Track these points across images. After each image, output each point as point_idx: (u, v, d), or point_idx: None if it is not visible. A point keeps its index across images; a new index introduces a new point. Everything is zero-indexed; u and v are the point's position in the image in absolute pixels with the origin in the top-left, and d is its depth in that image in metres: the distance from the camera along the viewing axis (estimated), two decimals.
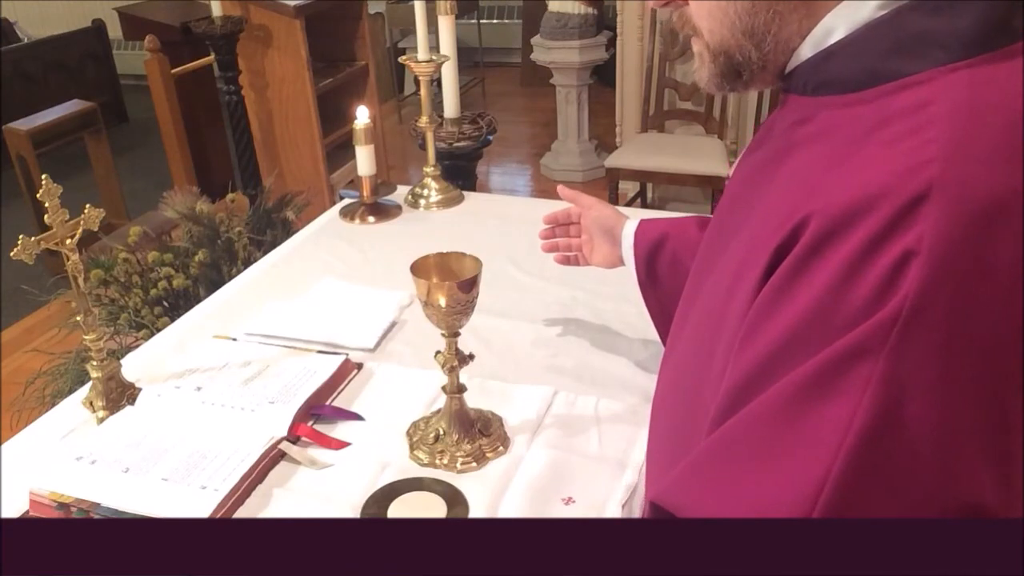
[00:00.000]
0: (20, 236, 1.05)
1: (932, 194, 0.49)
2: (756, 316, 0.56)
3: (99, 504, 0.97)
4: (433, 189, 1.83)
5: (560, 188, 1.25)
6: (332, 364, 1.22)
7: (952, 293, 0.48)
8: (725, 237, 0.71)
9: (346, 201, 1.84)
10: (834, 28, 0.60)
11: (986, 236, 0.49)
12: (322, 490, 1.01)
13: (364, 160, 1.75)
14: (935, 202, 0.49)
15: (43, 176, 1.08)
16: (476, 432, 1.06)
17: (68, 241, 1.10)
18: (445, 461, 1.04)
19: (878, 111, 0.56)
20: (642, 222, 1.14)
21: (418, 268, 1.00)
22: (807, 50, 0.63)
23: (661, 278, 1.10)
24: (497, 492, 0.99)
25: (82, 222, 1.12)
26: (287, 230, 2.26)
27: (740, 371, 0.56)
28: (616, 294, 1.39)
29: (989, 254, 0.49)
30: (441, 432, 1.06)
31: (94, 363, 1.16)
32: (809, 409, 0.51)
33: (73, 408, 1.20)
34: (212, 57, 3.45)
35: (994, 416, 0.49)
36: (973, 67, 0.54)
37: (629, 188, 3.85)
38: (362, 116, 1.73)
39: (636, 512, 0.96)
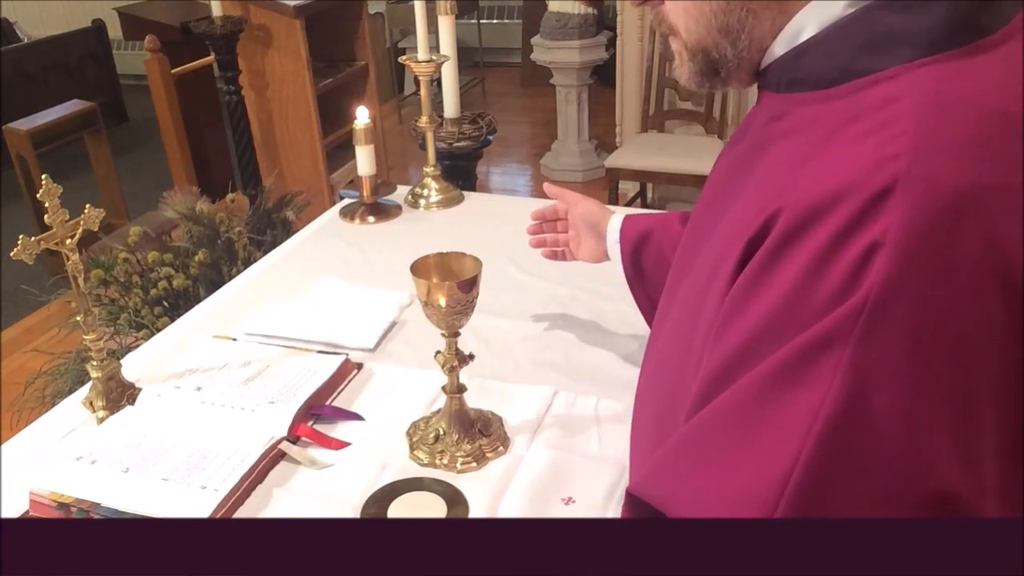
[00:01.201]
0: (20, 236, 1.05)
1: (898, 187, 0.50)
2: (729, 309, 0.58)
3: (99, 504, 0.97)
4: (433, 189, 1.83)
5: (546, 185, 1.27)
6: (332, 364, 1.22)
7: (916, 284, 0.49)
8: (703, 232, 0.72)
9: (346, 201, 1.84)
10: (805, 26, 0.62)
11: (950, 229, 0.50)
12: (322, 490, 1.01)
13: (364, 160, 1.75)
14: (901, 195, 0.50)
15: (43, 176, 1.08)
16: (476, 432, 1.06)
17: (68, 241, 1.10)
18: (445, 461, 1.04)
19: (848, 107, 0.58)
20: (627, 218, 1.15)
21: (418, 268, 1.00)
22: (780, 47, 0.64)
23: (647, 273, 1.12)
24: (497, 492, 0.99)
25: (82, 222, 1.12)
26: (287, 230, 2.26)
27: (714, 362, 0.57)
28: (616, 294, 1.39)
29: (953, 246, 0.50)
30: (441, 432, 1.06)
31: (94, 363, 1.16)
32: (778, 397, 0.52)
33: (73, 408, 1.20)
34: (212, 57, 3.45)
35: (959, 404, 0.49)
36: (939, 63, 0.55)
37: (629, 188, 3.85)
38: (362, 116, 1.73)
39: None
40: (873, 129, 0.54)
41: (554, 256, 1.28)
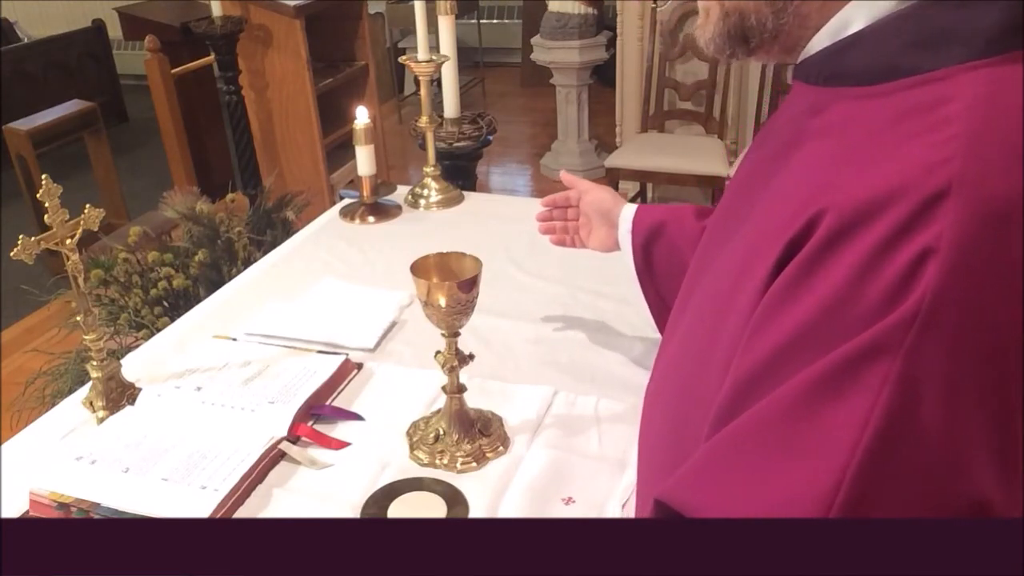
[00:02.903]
0: (20, 236, 1.05)
1: (952, 192, 0.49)
2: (766, 310, 0.56)
3: (99, 504, 0.97)
4: (433, 189, 1.83)
5: (562, 173, 1.25)
6: (332, 364, 1.22)
7: (970, 293, 0.48)
8: (730, 228, 0.70)
9: (346, 201, 1.84)
10: (853, 19, 0.60)
11: (1005, 235, 0.49)
12: (322, 490, 1.01)
13: (364, 160, 1.75)
14: (955, 200, 0.49)
15: (43, 176, 1.08)
16: (476, 432, 1.06)
17: (68, 241, 1.10)
18: (445, 461, 1.04)
19: (895, 106, 0.56)
20: (640, 208, 1.13)
21: (418, 268, 1.00)
22: (822, 39, 0.62)
23: (657, 265, 1.10)
24: (497, 492, 0.99)
25: (82, 222, 1.12)
26: (287, 230, 2.26)
27: (748, 365, 0.56)
28: (616, 294, 1.39)
29: (1008, 254, 0.48)
30: (441, 432, 1.06)
31: (94, 363, 1.16)
32: (824, 407, 0.50)
33: (73, 408, 1.20)
34: (212, 57, 3.45)
35: (1001, 413, 0.49)
36: (993, 66, 0.54)
37: (629, 188, 3.85)
38: (362, 116, 1.73)
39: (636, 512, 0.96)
40: (923, 130, 0.53)
41: (561, 243, 1.26)
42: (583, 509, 0.96)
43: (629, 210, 1.14)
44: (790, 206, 0.58)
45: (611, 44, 4.06)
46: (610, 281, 1.41)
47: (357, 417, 1.14)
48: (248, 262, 1.98)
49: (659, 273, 1.10)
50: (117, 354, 1.28)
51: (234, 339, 1.33)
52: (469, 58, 5.82)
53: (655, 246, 1.10)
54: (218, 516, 0.96)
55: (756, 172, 0.71)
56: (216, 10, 3.25)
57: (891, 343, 0.48)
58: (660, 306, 1.12)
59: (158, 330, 1.58)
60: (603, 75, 4.89)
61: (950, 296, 0.48)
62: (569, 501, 0.97)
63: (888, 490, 0.49)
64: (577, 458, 1.03)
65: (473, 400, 1.09)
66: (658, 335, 1.20)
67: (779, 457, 0.52)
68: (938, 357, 0.48)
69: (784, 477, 0.51)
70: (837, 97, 0.61)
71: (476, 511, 0.97)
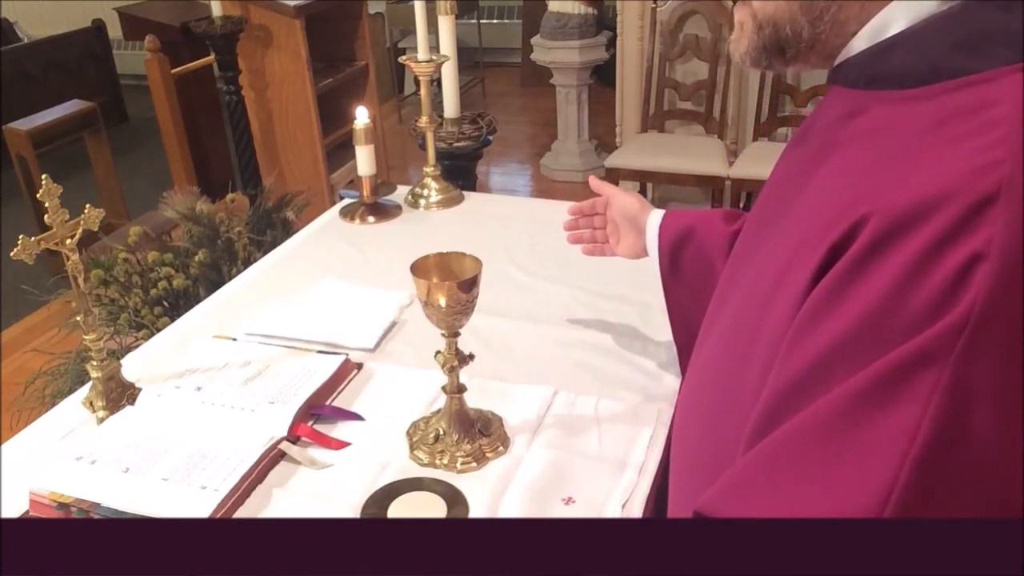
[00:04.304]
0: (20, 236, 1.05)
1: (1001, 196, 0.48)
2: (807, 317, 0.55)
3: (99, 504, 0.97)
4: (433, 189, 1.83)
5: (591, 178, 1.24)
6: (332, 364, 1.22)
7: (1021, 299, 0.47)
8: (766, 233, 0.69)
9: (346, 201, 1.84)
10: (893, 20, 0.59)
11: None
12: (322, 490, 1.01)
13: (364, 160, 1.75)
14: (1004, 204, 0.48)
15: (43, 176, 1.08)
16: (476, 432, 1.06)
17: (68, 241, 1.10)
18: (445, 461, 1.04)
19: (939, 108, 0.55)
20: (667, 213, 1.12)
21: (418, 268, 1.00)
22: (861, 42, 0.61)
23: (685, 271, 1.08)
24: (497, 492, 0.99)
25: (82, 222, 1.12)
26: (287, 230, 2.26)
27: (789, 373, 0.55)
28: (616, 294, 1.39)
29: None
30: (441, 432, 1.06)
31: (94, 363, 1.16)
32: (871, 417, 0.49)
33: (73, 408, 1.20)
34: (212, 57, 3.45)
35: None
36: None
37: (629, 188, 3.85)
38: (362, 116, 1.73)
39: (636, 512, 0.96)
40: (969, 133, 0.52)
41: (591, 252, 1.25)
42: (583, 509, 0.96)
43: (656, 216, 1.12)
44: (831, 210, 0.56)
45: (611, 44, 4.06)
46: (610, 281, 1.41)
47: (357, 417, 1.14)
48: (248, 262, 1.98)
49: (685, 278, 1.08)
50: (117, 354, 1.28)
51: (234, 339, 1.33)
52: (469, 58, 5.82)
53: (683, 252, 1.08)
54: (218, 516, 0.96)
55: (793, 176, 0.69)
56: (216, 10, 3.25)
57: (940, 351, 0.48)
58: (683, 314, 1.11)
59: (158, 330, 1.58)
60: (603, 75, 4.89)
61: (1001, 302, 0.47)
62: (569, 501, 0.97)
63: (937, 499, 0.48)
64: (577, 458, 1.03)
65: (473, 400, 1.09)
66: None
67: (824, 468, 0.51)
68: (988, 365, 0.47)
69: (829, 489, 0.50)
70: (877, 100, 0.60)
71: (476, 511, 0.97)
